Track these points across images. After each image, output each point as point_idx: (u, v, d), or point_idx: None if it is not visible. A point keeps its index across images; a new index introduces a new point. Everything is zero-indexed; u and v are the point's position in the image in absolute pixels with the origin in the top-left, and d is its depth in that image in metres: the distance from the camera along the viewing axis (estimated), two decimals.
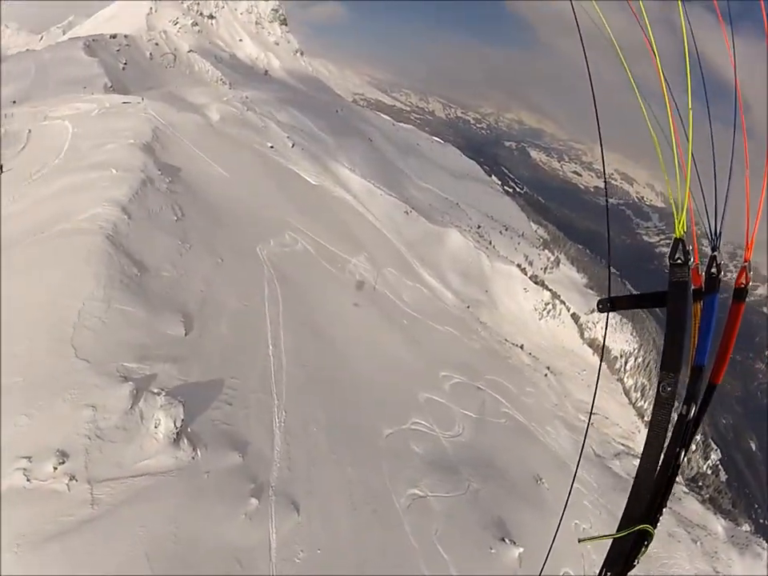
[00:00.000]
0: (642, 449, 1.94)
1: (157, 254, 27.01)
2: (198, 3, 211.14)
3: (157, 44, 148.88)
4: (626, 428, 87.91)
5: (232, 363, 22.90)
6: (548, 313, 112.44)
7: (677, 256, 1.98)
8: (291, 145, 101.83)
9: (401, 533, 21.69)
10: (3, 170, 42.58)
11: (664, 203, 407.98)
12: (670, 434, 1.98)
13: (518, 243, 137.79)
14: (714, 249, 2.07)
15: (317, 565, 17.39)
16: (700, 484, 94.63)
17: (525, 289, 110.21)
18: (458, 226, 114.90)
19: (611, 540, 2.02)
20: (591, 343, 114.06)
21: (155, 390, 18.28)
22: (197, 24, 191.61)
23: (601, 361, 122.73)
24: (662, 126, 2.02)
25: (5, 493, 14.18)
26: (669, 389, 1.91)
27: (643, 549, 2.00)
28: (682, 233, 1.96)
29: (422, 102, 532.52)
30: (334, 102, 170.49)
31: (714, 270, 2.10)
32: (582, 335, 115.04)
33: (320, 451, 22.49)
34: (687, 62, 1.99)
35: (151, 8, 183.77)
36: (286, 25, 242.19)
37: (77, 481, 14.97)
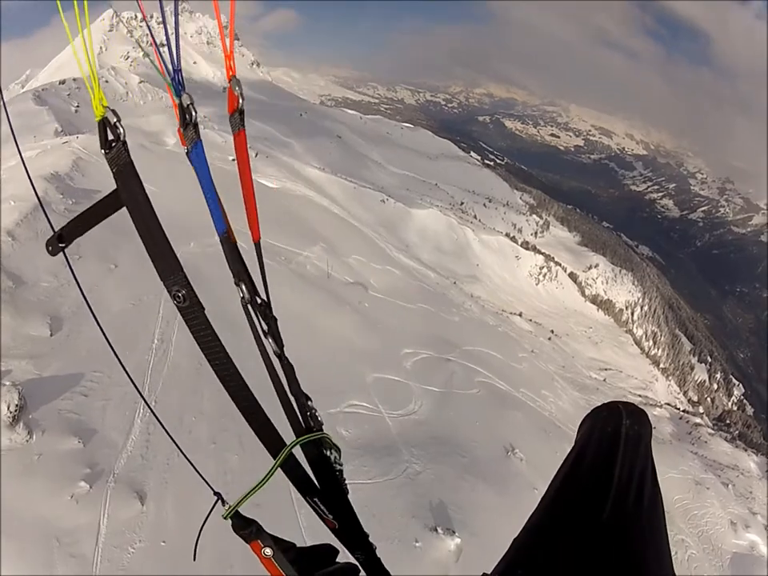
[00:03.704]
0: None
1: (39, 268, 27.71)
2: (147, 34, 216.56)
3: (107, 81, 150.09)
4: (643, 378, 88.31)
5: (100, 359, 22.91)
6: (544, 276, 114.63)
7: (110, 139, 1.65)
8: (255, 154, 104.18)
9: (290, 528, 18.81)
10: None
11: (646, 150, 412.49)
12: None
13: (504, 213, 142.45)
14: (179, 95, 1.69)
15: (158, 556, 17.29)
16: (727, 422, 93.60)
17: (516, 256, 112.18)
18: (438, 206, 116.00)
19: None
20: (594, 299, 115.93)
21: (6, 383, 19.49)
22: (148, 55, 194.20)
23: None
24: None
25: None
26: (182, 293, 1.64)
27: (332, 454, 1.87)
28: (104, 111, 1.65)
29: (390, 92, 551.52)
30: (297, 107, 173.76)
31: (189, 117, 1.70)
32: (583, 293, 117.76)
33: (194, 440, 22.17)
34: None
35: (101, 47, 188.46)
36: (239, 39, 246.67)
37: None
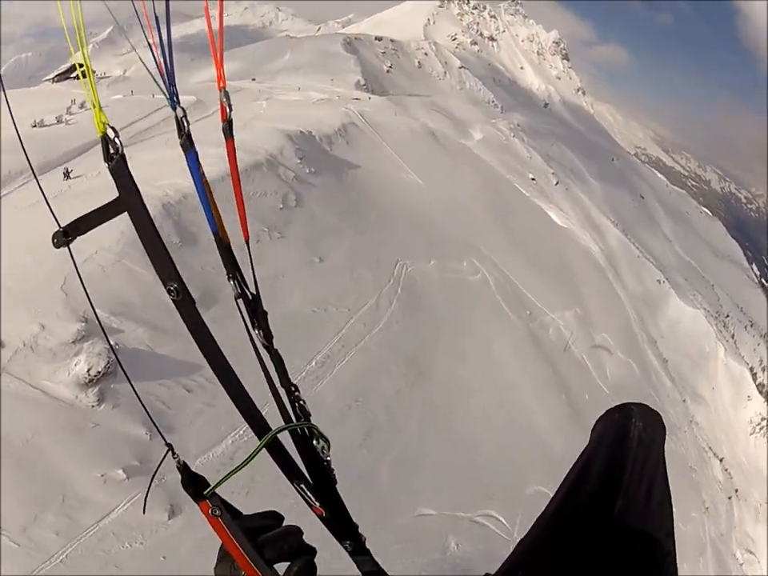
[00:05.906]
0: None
1: None
2: (478, 23, 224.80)
3: (426, 54, 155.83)
4: None
5: (233, 359, 21.80)
6: (761, 429, 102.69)
7: (111, 153, 1.67)
8: (555, 182, 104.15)
9: None
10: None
11: None
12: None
13: (758, 344, 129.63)
14: (174, 108, 1.77)
15: (147, 565, 16.85)
16: None
17: (748, 396, 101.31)
18: (706, 310, 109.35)
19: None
20: None
21: (113, 343, 20.58)
22: (476, 43, 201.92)
23: None
24: None
25: None
26: (174, 290, 1.69)
27: (319, 443, 1.85)
28: (104, 128, 1.65)
29: (700, 170, 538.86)
30: (611, 150, 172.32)
31: (184, 128, 1.79)
32: None
33: (274, 483, 18.78)
34: None
35: (429, 19, 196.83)
36: (568, 60, 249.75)
37: None
